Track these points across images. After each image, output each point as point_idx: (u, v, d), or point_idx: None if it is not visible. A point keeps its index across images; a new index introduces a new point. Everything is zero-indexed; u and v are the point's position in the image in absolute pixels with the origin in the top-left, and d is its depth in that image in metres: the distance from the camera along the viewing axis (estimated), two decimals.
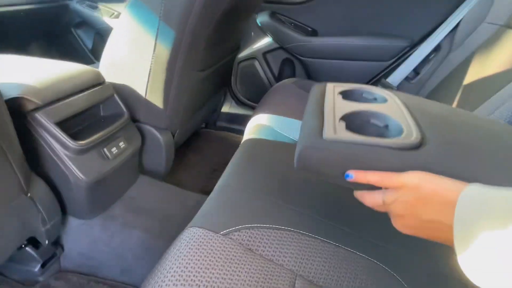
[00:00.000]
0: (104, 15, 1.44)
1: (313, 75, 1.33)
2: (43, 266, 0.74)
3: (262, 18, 1.28)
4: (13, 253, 0.72)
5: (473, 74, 0.84)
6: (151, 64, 0.72)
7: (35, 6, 1.31)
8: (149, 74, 0.75)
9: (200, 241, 0.41)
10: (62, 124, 0.60)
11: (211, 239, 0.42)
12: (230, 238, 0.45)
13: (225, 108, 1.55)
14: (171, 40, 0.70)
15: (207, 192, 0.69)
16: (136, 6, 0.69)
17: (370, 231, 0.53)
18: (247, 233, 0.47)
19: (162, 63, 0.72)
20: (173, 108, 0.84)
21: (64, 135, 0.59)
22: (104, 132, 0.68)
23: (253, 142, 0.77)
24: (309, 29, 1.27)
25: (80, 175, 0.64)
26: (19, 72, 0.61)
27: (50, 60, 0.72)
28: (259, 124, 0.86)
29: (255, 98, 1.48)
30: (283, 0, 1.24)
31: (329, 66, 1.27)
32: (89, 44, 1.57)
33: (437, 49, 1.10)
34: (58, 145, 0.60)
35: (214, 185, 0.65)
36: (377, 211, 0.32)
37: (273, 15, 1.27)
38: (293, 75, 1.38)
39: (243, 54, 1.37)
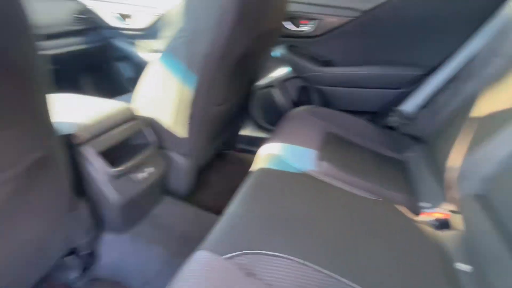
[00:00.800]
0: (140, 50, 1.65)
1: (329, 102, 1.39)
2: (81, 273, 0.86)
3: (279, 51, 1.39)
4: (57, 261, 0.85)
5: (487, 105, 0.85)
6: (177, 101, 0.84)
7: (86, 46, 1.55)
8: (175, 109, 0.87)
9: (205, 264, 0.47)
10: (103, 153, 0.73)
11: (215, 263, 0.48)
12: (233, 262, 0.51)
13: (246, 131, 1.66)
14: (194, 82, 0.82)
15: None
16: (166, 56, 0.82)
17: (373, 266, 0.54)
18: (250, 258, 0.50)
19: (186, 101, 0.84)
20: (195, 136, 0.94)
21: (104, 163, 0.72)
22: (135, 160, 0.80)
23: (263, 171, 0.84)
24: (324, 59, 1.35)
25: (115, 195, 0.76)
26: (71, 111, 0.75)
27: (95, 98, 0.87)
28: (270, 154, 0.94)
29: (273, 122, 1.57)
30: (299, 34, 1.34)
31: (344, 93, 1.33)
32: (129, 74, 1.80)
33: (452, 78, 1.11)
34: (99, 171, 0.73)
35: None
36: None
37: (290, 48, 1.37)
38: (309, 101, 1.45)
39: (261, 82, 1.48)
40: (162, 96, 0.86)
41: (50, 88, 0.46)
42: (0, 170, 0.39)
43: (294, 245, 0.56)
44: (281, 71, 1.44)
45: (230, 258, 0.50)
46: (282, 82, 1.46)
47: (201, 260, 0.48)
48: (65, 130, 0.68)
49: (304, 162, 0.89)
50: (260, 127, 1.63)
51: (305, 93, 1.46)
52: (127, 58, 1.75)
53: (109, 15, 1.64)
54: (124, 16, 1.67)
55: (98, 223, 0.82)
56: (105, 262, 0.89)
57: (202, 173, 1.39)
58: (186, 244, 0.89)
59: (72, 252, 0.82)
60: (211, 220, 1.04)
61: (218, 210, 1.22)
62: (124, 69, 1.80)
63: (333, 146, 1.00)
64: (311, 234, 0.60)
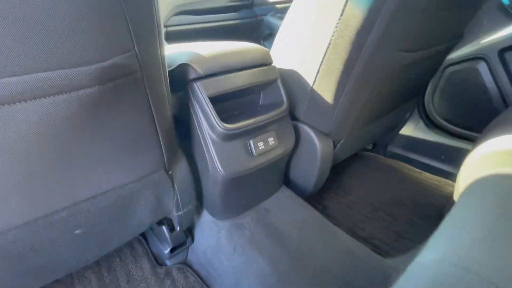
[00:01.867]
0: None
1: None
2: (172, 250, 0.71)
3: None
4: (154, 227, 0.74)
5: None
6: (331, 39, 0.52)
7: (238, 21, 1.52)
8: (324, 55, 0.54)
9: None
10: (217, 103, 0.51)
11: None
12: None
13: (406, 130, 1.14)
14: (368, 2, 0.46)
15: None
16: None
17: None
18: None
19: (347, 35, 0.50)
20: (344, 107, 0.59)
21: (213, 112, 0.49)
22: (255, 119, 0.54)
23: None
24: None
25: (219, 166, 0.53)
26: (191, 48, 0.58)
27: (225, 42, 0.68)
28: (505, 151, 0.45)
29: (464, 122, 0.98)
30: None
31: None
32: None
33: None
34: (205, 123, 0.51)
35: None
36: None
37: None
38: None
39: (457, 53, 0.93)
40: (311, 33, 0.56)
41: None
42: (86, 62, 0.30)
43: None
44: (503, 33, 0.84)
45: None
46: (502, 52, 0.85)
47: None
48: (179, 61, 0.50)
49: None
50: (434, 126, 1.07)
51: None
52: (275, 36, 1.62)
53: None
54: None
55: (198, 197, 0.63)
56: (198, 248, 0.70)
57: (333, 172, 1.02)
58: (302, 265, 0.56)
59: (169, 224, 0.67)
60: (346, 242, 0.67)
61: (349, 228, 0.83)
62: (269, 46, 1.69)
63: None
64: None
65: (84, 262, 0.54)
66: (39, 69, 0.28)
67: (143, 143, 0.44)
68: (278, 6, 1.64)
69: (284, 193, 0.73)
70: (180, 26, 1.33)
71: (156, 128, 0.44)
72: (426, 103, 1.06)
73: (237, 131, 0.51)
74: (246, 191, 0.63)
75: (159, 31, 0.37)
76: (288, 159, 0.70)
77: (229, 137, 0.52)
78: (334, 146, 0.69)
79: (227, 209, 0.64)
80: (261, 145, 0.57)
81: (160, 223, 0.67)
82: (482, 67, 0.89)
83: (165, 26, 1.27)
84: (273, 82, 0.60)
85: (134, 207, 0.51)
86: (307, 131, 0.66)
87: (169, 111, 0.46)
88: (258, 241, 0.60)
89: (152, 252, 0.76)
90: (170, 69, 0.53)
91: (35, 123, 0.31)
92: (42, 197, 0.38)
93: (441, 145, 1.05)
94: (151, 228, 0.76)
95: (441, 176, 1.07)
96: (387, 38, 0.49)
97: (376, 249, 0.73)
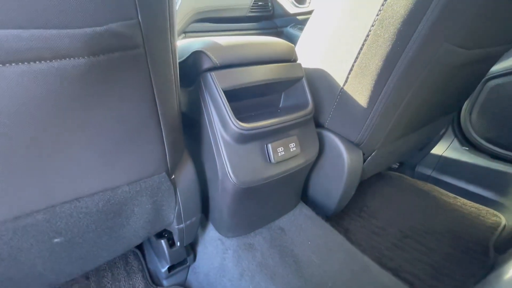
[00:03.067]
0: None
1: None
2: (170, 269, 0.62)
3: None
4: (152, 240, 0.65)
5: None
6: (370, 30, 0.44)
7: (258, 32, 1.49)
8: (361, 49, 0.47)
9: None
10: (232, 101, 0.44)
11: None
12: None
13: (438, 149, 1.02)
14: None
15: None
16: None
17: None
18: None
19: (391, 24, 0.42)
20: (380, 113, 0.51)
21: (228, 108, 0.42)
22: (276, 119, 0.46)
23: None
24: None
25: (230, 173, 0.45)
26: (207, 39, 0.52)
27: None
28: None
29: (509, 143, 0.86)
30: None
31: None
32: None
33: None
34: (218, 121, 0.43)
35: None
36: None
37: None
38: None
39: (501, 65, 0.83)
40: (345, 27, 0.49)
41: None
42: (76, 23, 0.24)
43: None
44: None
45: None
46: None
47: None
48: (194, 48, 0.44)
49: None
50: (472, 146, 0.95)
51: None
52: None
53: (285, 1, 1.56)
54: (299, 1, 1.58)
55: (203, 209, 0.54)
56: (200, 268, 0.61)
57: (356, 190, 0.92)
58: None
59: (169, 238, 0.58)
60: (368, 269, 0.54)
61: (376, 257, 0.70)
62: None
63: None
64: None
65: (66, 277, 0.46)
66: (10, 24, 0.22)
67: (142, 138, 0.36)
68: (299, 17, 1.61)
69: (302, 211, 0.63)
70: (199, 33, 1.31)
71: (159, 121, 0.37)
72: (462, 120, 0.95)
73: (254, 131, 0.43)
74: (260, 205, 0.54)
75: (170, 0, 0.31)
76: (311, 169, 0.61)
77: (244, 138, 0.44)
78: (364, 160, 0.60)
79: (236, 225, 0.55)
80: (280, 150, 0.48)
81: (159, 235, 0.59)
82: None
83: (184, 32, 1.25)
84: (297, 81, 0.53)
85: (128, 215, 0.43)
86: (333, 140, 0.57)
87: (177, 103, 0.39)
88: (271, 266, 0.50)
89: (148, 269, 0.67)
90: (181, 59, 0.46)
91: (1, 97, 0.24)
92: (12, 194, 0.30)
93: (479, 168, 0.93)
94: (149, 240, 0.67)
95: (479, 203, 0.94)
96: (440, 28, 0.40)
97: (411, 286, 0.61)
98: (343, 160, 0.56)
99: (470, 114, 0.92)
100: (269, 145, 0.47)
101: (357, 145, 0.57)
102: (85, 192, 0.36)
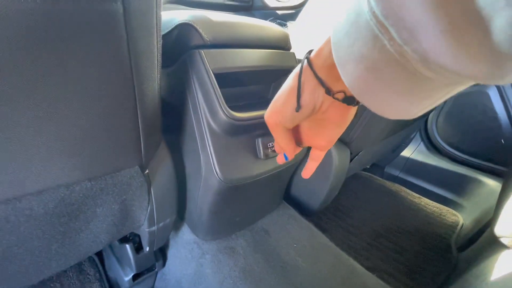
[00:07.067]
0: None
1: None
2: (136, 277, 0.54)
3: None
4: (115, 244, 0.56)
5: None
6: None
7: None
8: None
9: None
10: (220, 86, 0.38)
11: None
12: None
13: (406, 152, 1.07)
14: None
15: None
16: None
17: None
18: None
19: None
20: (370, 112, 0.49)
21: (218, 93, 0.36)
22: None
23: None
24: None
25: (216, 169, 0.39)
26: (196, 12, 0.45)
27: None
28: None
29: (469, 148, 0.93)
30: None
31: None
32: None
33: None
34: (205, 108, 0.37)
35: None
36: None
37: None
38: None
39: None
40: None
41: None
42: None
43: None
44: None
45: None
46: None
47: None
48: (181, 19, 0.37)
49: None
50: (436, 151, 1.01)
51: None
52: None
53: None
54: None
55: (178, 211, 0.47)
56: (171, 274, 0.54)
57: None
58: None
59: (135, 242, 0.50)
60: (356, 273, 0.49)
61: (353, 256, 0.68)
62: None
63: None
64: None
65: None
66: None
67: (113, 122, 0.29)
68: (279, 12, 1.58)
69: (285, 211, 0.60)
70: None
71: (136, 103, 0.30)
72: (429, 125, 1.00)
73: (247, 122, 0.38)
74: (244, 205, 0.49)
75: None
76: (296, 167, 0.57)
77: (235, 130, 0.39)
78: (351, 159, 0.58)
79: (217, 226, 0.49)
80: (270, 146, 0.44)
81: (123, 239, 0.51)
82: (493, 91, 0.85)
83: None
84: (289, 71, 0.49)
85: (87, 218, 0.35)
86: None
87: (158, 82, 0.32)
88: (256, 272, 0.46)
89: (107, 277, 0.58)
90: (165, 32, 0.39)
91: None
92: None
93: (441, 170, 0.99)
94: (109, 245, 0.58)
95: (440, 203, 1.01)
96: None
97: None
98: (330, 159, 0.54)
99: (437, 120, 0.98)
100: (259, 140, 0.42)
101: (346, 143, 0.55)
102: (29, 189, 0.27)
